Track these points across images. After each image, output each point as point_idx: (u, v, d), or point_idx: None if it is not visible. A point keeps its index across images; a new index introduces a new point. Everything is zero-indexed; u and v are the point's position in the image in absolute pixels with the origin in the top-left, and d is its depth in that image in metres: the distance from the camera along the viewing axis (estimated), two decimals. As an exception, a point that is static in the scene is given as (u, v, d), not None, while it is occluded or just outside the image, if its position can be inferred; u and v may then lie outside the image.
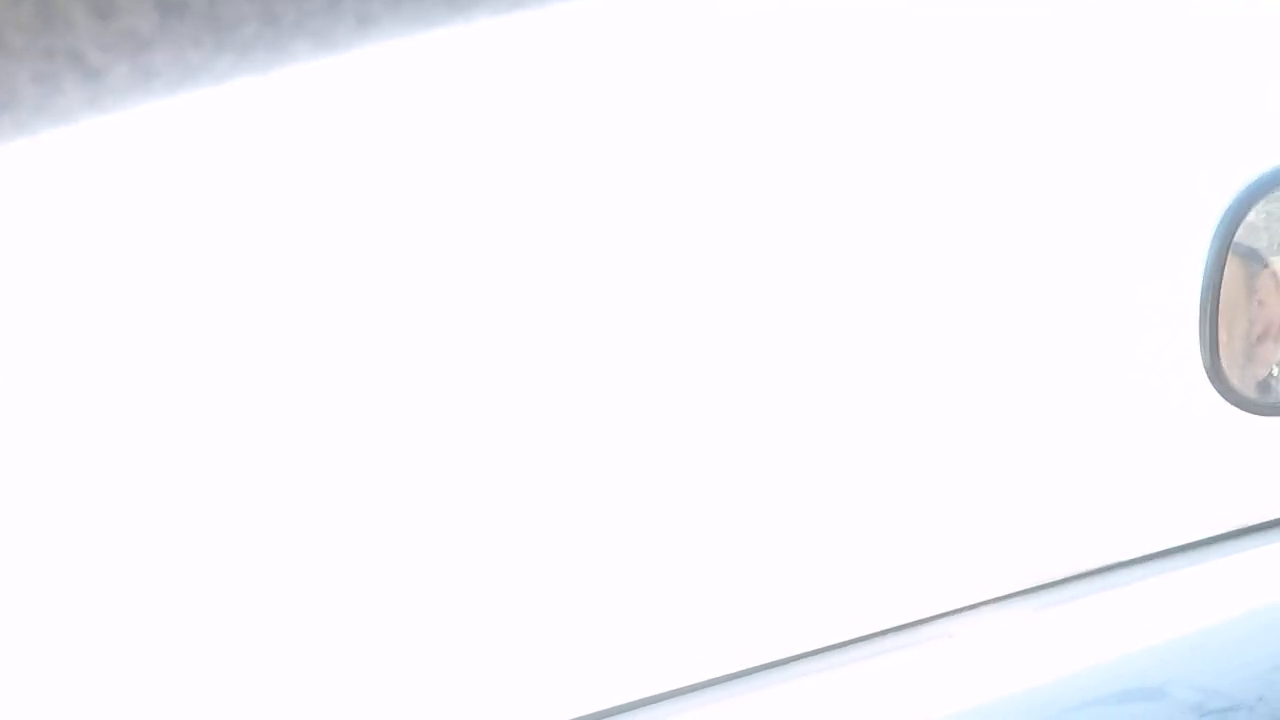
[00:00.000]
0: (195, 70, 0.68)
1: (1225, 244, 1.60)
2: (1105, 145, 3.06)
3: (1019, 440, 2.99)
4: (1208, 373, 1.61)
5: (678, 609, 2.83)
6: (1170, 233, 2.83)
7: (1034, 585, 2.47)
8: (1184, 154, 2.96)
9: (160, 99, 0.69)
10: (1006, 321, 3.06)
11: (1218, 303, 1.59)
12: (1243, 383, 1.65)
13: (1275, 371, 1.75)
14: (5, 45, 0.63)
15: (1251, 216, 1.72)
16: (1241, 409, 1.65)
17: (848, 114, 3.03)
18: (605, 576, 2.90)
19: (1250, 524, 2.40)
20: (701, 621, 2.78)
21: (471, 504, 2.90)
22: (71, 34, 0.64)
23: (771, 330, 3.01)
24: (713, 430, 3.00)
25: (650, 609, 2.87)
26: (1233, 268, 1.71)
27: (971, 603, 2.45)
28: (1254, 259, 1.77)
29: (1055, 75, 3.06)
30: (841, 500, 2.92)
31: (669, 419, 3.00)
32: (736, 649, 2.49)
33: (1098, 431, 2.97)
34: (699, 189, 3.00)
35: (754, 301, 3.02)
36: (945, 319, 3.05)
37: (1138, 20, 3.00)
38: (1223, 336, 1.69)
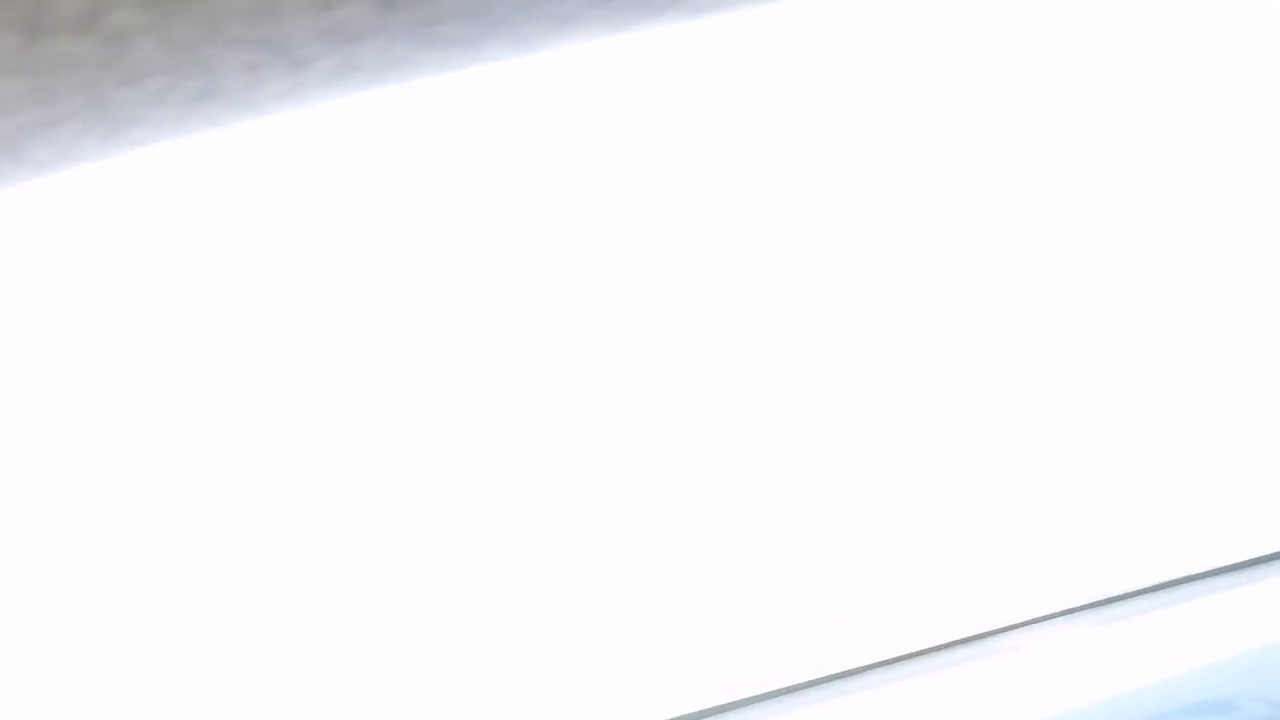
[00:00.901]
0: (399, 64, 0.69)
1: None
2: (1202, 151, 3.06)
3: (1088, 454, 2.99)
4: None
5: (736, 624, 2.84)
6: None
7: (1102, 598, 2.46)
8: None
9: (363, 91, 0.70)
10: (1075, 335, 3.06)
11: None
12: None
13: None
14: (219, 33, 0.64)
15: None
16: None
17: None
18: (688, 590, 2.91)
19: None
20: (762, 634, 2.78)
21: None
22: (284, 27, 0.65)
23: (855, 347, 3.02)
24: (782, 445, 3.01)
25: (698, 626, 2.87)
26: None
27: (1039, 616, 2.45)
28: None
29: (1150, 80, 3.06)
30: (909, 513, 2.93)
31: (750, 435, 3.01)
32: (799, 662, 2.49)
33: (1166, 446, 2.97)
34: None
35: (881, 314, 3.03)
36: (1016, 333, 3.05)
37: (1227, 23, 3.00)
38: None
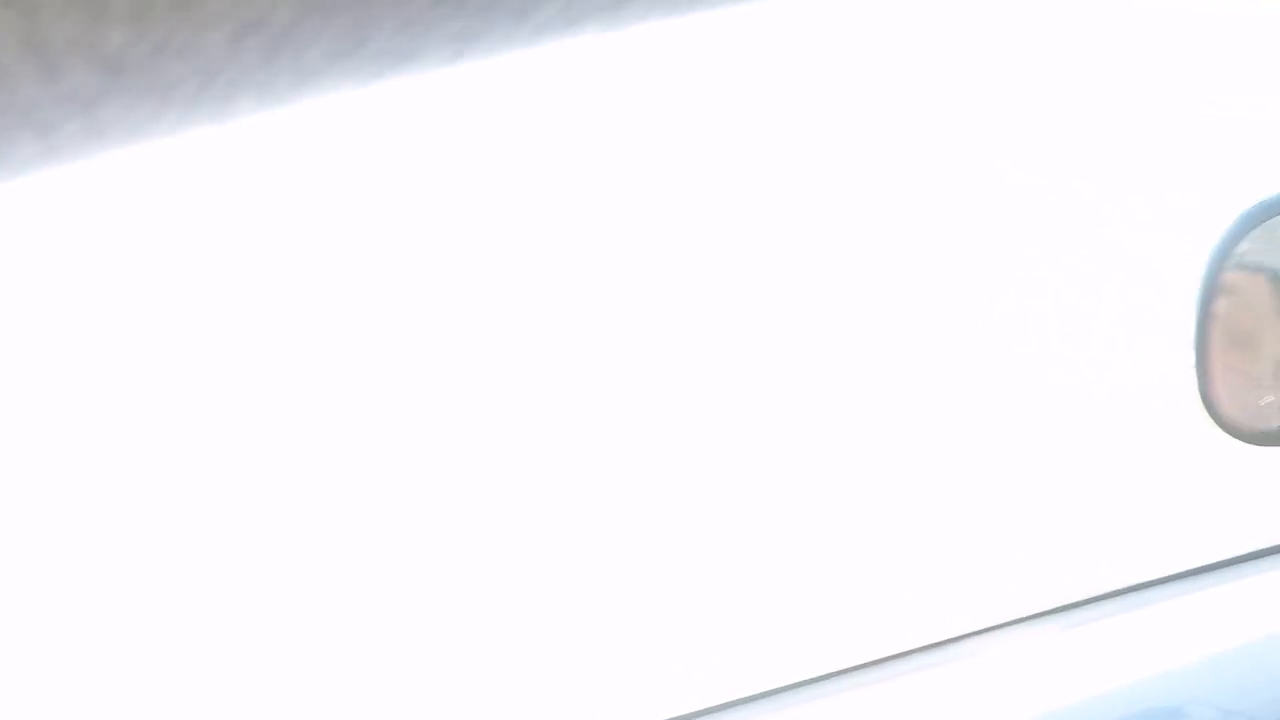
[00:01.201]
0: (142, 125, 0.70)
1: (1219, 270, 1.59)
2: (1105, 163, 3.05)
3: (1043, 462, 2.98)
4: (1203, 402, 1.61)
5: (693, 629, 2.84)
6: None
7: (1054, 607, 2.46)
8: (1188, 174, 2.94)
9: (109, 152, 0.71)
10: (1033, 341, 3.05)
11: (1210, 330, 1.59)
12: (1243, 411, 1.64)
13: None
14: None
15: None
16: (1238, 438, 1.64)
17: (850, 115, 3.03)
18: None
19: (1272, 545, 2.38)
20: (729, 639, 2.78)
21: (482, 516, 2.91)
22: (22, 92, 0.66)
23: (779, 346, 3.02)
24: (730, 445, 3.01)
25: (659, 629, 2.87)
26: (1259, 288, 1.70)
27: (993, 624, 2.45)
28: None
29: (1060, 81, 3.05)
30: (864, 521, 2.92)
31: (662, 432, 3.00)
32: (759, 669, 2.49)
33: (1121, 452, 2.96)
34: (700, 190, 3.00)
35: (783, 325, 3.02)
36: (966, 341, 3.04)
37: (1146, 25, 2.99)
38: (1235, 361, 1.68)
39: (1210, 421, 1.61)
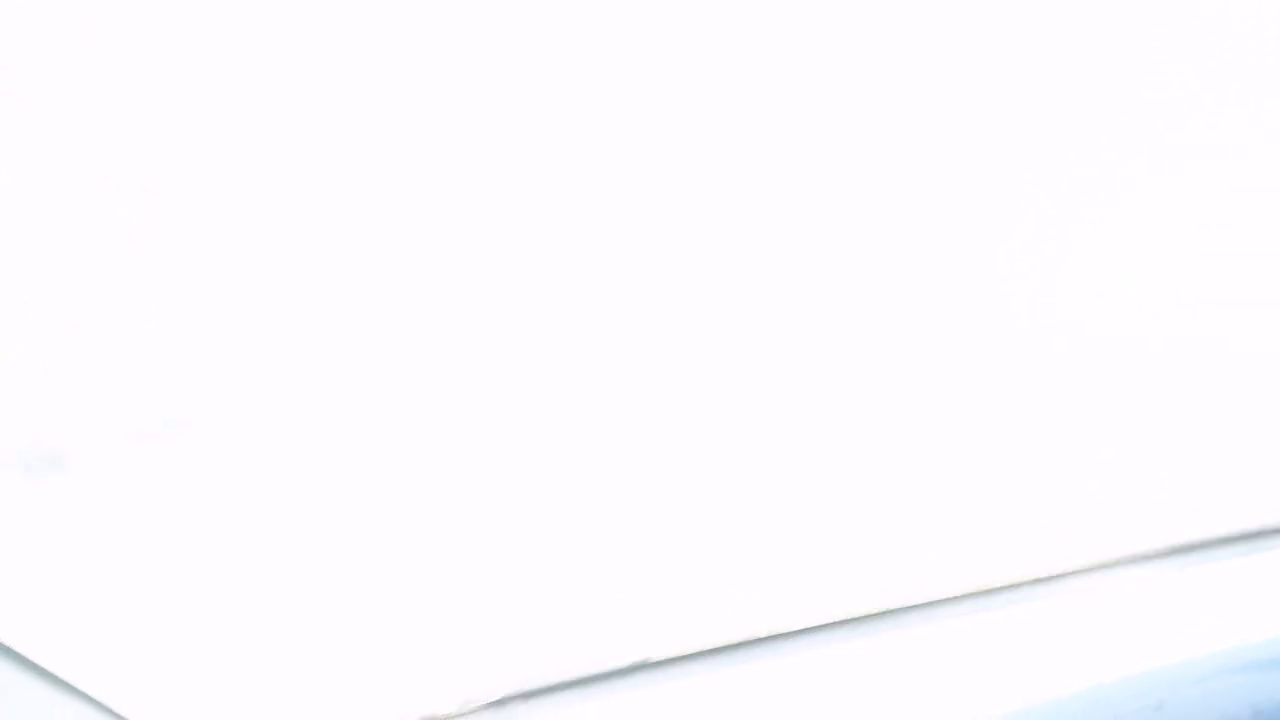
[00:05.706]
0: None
1: None
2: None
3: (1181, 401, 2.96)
4: None
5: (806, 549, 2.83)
6: None
7: (1180, 545, 2.43)
8: None
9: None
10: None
11: None
12: None
13: None
14: None
15: None
16: None
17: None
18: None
19: None
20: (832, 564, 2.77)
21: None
22: None
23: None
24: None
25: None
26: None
27: (1114, 559, 2.43)
28: None
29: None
30: (992, 448, 2.91)
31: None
32: (875, 592, 2.48)
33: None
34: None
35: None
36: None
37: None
38: None
39: None
